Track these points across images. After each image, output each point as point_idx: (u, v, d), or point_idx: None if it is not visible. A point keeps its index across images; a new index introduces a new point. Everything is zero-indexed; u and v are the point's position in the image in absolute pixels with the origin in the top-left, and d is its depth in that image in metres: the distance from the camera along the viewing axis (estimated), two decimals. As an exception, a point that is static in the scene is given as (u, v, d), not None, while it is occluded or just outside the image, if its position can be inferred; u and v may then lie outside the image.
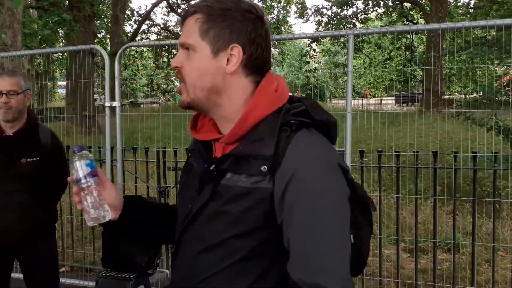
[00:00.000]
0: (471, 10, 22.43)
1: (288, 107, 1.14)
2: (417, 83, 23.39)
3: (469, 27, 3.28)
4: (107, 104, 3.70)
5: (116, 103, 3.66)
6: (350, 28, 24.05)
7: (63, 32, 15.45)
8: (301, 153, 1.06)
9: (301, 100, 1.17)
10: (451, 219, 4.49)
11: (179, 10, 26.42)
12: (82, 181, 1.20)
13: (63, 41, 22.11)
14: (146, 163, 4.37)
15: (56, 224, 2.90)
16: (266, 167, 1.05)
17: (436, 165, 3.57)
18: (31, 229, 2.57)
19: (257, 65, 1.15)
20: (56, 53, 5.26)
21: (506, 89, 7.15)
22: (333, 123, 1.16)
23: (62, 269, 4.55)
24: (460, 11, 24.29)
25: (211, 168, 1.13)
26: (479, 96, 7.15)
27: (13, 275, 2.80)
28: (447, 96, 13.38)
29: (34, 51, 5.16)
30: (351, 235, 1.16)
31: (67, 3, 13.58)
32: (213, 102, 1.15)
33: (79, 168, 1.21)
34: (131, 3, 31.09)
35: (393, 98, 25.90)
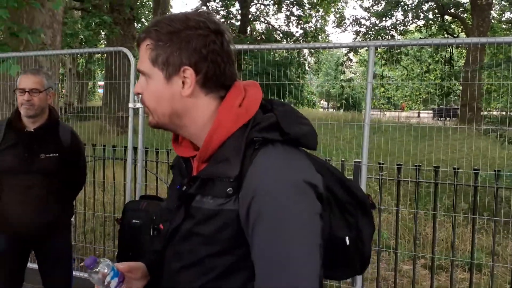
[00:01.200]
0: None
1: (256, 121, 1.09)
2: (455, 97, 22.85)
3: (509, 42, 3.18)
4: (130, 105, 3.80)
5: (139, 104, 3.75)
6: (388, 39, 23.76)
7: (104, 34, 15.90)
8: (261, 175, 1.01)
9: (273, 109, 1.12)
10: (476, 238, 4.38)
11: (218, 16, 26.73)
12: None
13: (105, 42, 22.75)
14: (167, 164, 4.44)
15: (72, 219, 2.99)
16: (232, 188, 1.03)
17: (455, 181, 3.48)
18: (47, 223, 2.66)
19: (216, 81, 1.11)
20: (92, 53, 5.43)
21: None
22: (303, 134, 1.10)
23: (82, 263, 4.67)
24: (503, 26, 23.61)
25: (184, 189, 1.13)
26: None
27: (29, 265, 2.92)
28: (486, 113, 13.05)
29: (65, 51, 5.36)
30: (347, 238, 1.17)
31: (108, 5, 13.97)
32: (177, 124, 1.14)
33: (106, 283, 1.18)
34: (172, 7, 31.63)
35: (431, 111, 25.40)
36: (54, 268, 2.81)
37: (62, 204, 2.79)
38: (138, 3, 16.66)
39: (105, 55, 11.66)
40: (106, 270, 1.18)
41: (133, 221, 3.35)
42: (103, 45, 24.08)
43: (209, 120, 1.11)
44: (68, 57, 25.23)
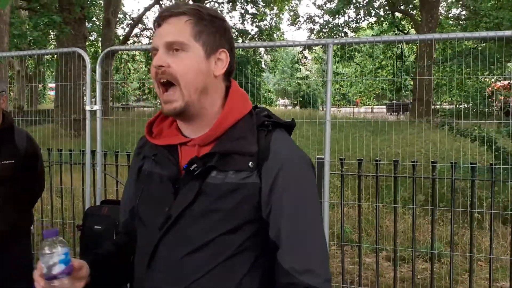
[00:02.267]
0: (461, 22, 22.68)
1: (256, 111, 1.24)
2: (408, 92, 23.56)
3: (457, 38, 3.30)
4: (87, 107, 3.68)
5: (97, 107, 3.65)
6: (341, 36, 24.20)
7: (53, 34, 15.38)
8: (286, 150, 1.15)
9: (258, 107, 1.27)
10: (435, 229, 4.52)
11: (172, 15, 26.46)
12: (55, 282, 1.07)
13: (54, 43, 22.03)
14: (128, 167, 4.34)
15: (32, 227, 2.87)
16: (252, 162, 1.11)
17: (414, 174, 3.58)
18: (4, 232, 2.53)
19: (230, 71, 1.22)
20: (43, 55, 5.23)
21: (490, 100, 7.22)
22: (294, 125, 1.26)
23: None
24: (450, 22, 24.53)
25: (192, 168, 1.12)
26: (469, 106, 7.22)
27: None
28: (437, 106, 13.52)
29: (15, 53, 5.15)
30: None
31: (57, 5, 13.51)
32: (201, 104, 1.16)
33: (51, 263, 1.07)
34: (124, 6, 31.06)
35: (384, 106, 26.10)
36: (14, 280, 2.68)
37: (19, 212, 2.66)
38: (88, 2, 16.19)
39: (55, 56, 11.28)
40: (59, 250, 1.07)
41: (95, 227, 3.26)
42: (52, 46, 23.33)
43: (220, 105, 1.20)
44: (16, 59, 24.27)
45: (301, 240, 1.10)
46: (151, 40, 28.29)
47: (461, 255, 4.45)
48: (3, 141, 2.57)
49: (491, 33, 3.17)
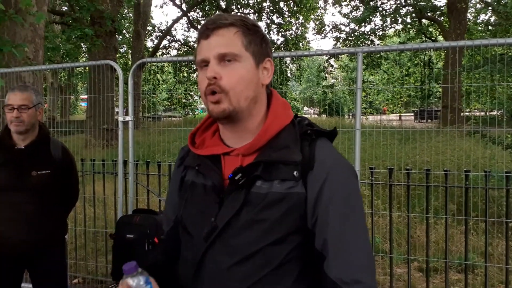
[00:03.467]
0: (490, 27, 22.25)
1: (298, 119, 1.24)
2: (436, 99, 23.19)
3: (487, 44, 3.24)
4: (120, 118, 3.77)
5: (129, 118, 3.73)
6: (368, 44, 24.03)
7: (85, 47, 15.79)
8: (331, 158, 1.15)
9: (298, 116, 1.27)
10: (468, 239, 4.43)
11: (199, 26, 26.78)
12: None
13: (86, 55, 22.58)
14: (158, 177, 4.41)
15: (66, 236, 2.95)
16: (297, 172, 1.11)
17: (447, 183, 3.53)
18: (40, 240, 2.62)
19: (271, 80, 1.23)
20: (75, 67, 5.38)
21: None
22: (336, 133, 1.26)
23: (75, 281, 4.61)
24: (479, 28, 24.08)
25: (237, 177, 1.12)
26: (499, 113, 7.08)
27: (23, 285, 2.86)
28: (467, 113, 13.26)
29: (51, 66, 5.31)
30: None
31: (89, 18, 13.88)
32: (250, 111, 1.18)
33: None
34: (153, 19, 31.56)
35: (412, 114, 25.73)
36: (49, 286, 2.75)
37: (55, 221, 2.74)
38: (119, 15, 16.57)
39: (87, 68, 11.56)
40: (141, 280, 1.12)
41: (127, 235, 3.32)
42: (84, 58, 23.90)
43: (264, 113, 1.22)
44: (49, 71, 24.98)
45: (347, 250, 1.08)
46: (179, 52, 28.47)
47: (496, 266, 4.34)
48: (39, 152, 2.65)
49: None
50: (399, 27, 24.78)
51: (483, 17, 24.59)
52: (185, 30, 50.85)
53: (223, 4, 25.37)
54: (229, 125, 1.20)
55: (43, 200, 2.62)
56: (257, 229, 1.10)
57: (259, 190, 1.12)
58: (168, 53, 29.15)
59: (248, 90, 1.15)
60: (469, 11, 21.77)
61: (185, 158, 1.32)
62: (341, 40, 25.20)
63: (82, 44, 15.28)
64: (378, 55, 22.79)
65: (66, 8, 18.87)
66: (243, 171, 1.13)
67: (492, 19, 22.37)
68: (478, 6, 24.47)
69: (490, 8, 21.82)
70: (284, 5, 26.22)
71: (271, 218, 1.09)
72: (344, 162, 1.17)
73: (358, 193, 1.15)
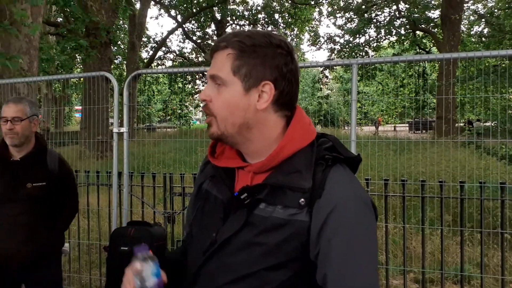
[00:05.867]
0: (483, 39, 22.47)
1: (319, 141, 1.16)
2: (430, 110, 23.32)
3: (480, 56, 3.26)
4: (115, 129, 3.75)
5: (124, 129, 3.71)
6: (362, 56, 24.19)
7: (80, 58, 15.80)
8: (341, 189, 1.06)
9: (325, 135, 1.19)
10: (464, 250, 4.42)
11: (194, 38, 26.91)
12: None
13: (80, 66, 22.58)
14: (153, 188, 4.39)
15: (67, 247, 2.92)
16: (304, 200, 1.05)
17: (442, 194, 3.52)
18: (35, 251, 2.59)
19: (287, 101, 1.14)
20: (70, 79, 5.36)
21: (517, 117, 7.09)
22: (360, 160, 1.17)
23: (68, 293, 4.55)
24: (473, 40, 24.33)
25: (242, 197, 1.10)
26: (493, 124, 7.11)
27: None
28: (461, 124, 13.34)
29: (45, 77, 5.30)
30: None
31: (84, 30, 13.90)
32: (244, 137, 1.13)
33: (145, 276, 1.12)
34: (148, 30, 31.66)
35: (407, 125, 25.85)
36: None
37: (50, 233, 2.71)
38: (113, 26, 16.63)
39: (82, 79, 11.55)
40: (151, 264, 1.12)
41: (122, 248, 3.28)
42: (79, 69, 23.90)
43: (277, 137, 1.14)
44: (44, 83, 24.93)
45: (344, 284, 1.00)
46: (174, 63, 28.61)
47: (492, 277, 4.33)
48: (35, 164, 2.64)
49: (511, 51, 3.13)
50: (393, 38, 25.01)
51: (476, 28, 24.89)
52: (180, 41, 51.18)
53: (218, 16, 25.52)
54: (228, 145, 1.20)
55: (39, 212, 2.60)
56: (254, 252, 1.07)
57: (261, 212, 1.08)
58: (163, 64, 29.24)
59: (234, 116, 1.11)
60: (462, 22, 22.01)
61: (207, 164, 1.31)
62: (335, 52, 25.42)
63: (76, 55, 15.30)
64: (373, 67, 22.94)
65: (61, 19, 18.93)
66: (248, 191, 1.10)
67: (486, 30, 22.61)
68: (472, 18, 24.76)
69: (483, 20, 22.07)
70: (279, 16, 26.46)
71: (269, 243, 1.05)
72: (357, 195, 1.07)
73: (368, 231, 1.05)
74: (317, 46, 27.88)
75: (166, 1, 26.11)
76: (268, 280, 1.05)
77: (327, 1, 26.25)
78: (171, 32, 25.91)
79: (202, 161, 1.35)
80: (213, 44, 1.16)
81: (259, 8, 26.87)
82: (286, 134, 1.13)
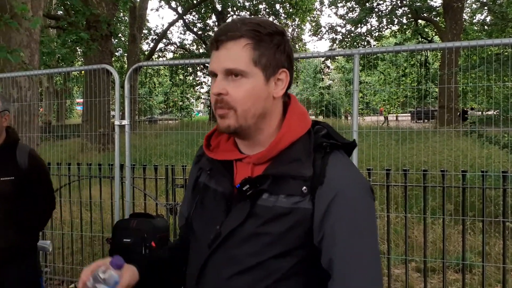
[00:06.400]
0: (486, 27, 22.31)
1: (315, 129, 1.17)
2: (432, 99, 23.24)
3: (483, 45, 3.23)
4: (116, 122, 3.75)
5: (125, 122, 3.71)
6: (364, 45, 24.07)
7: (81, 51, 15.77)
8: (342, 175, 1.08)
9: (318, 123, 1.20)
10: (465, 239, 4.43)
11: (195, 29, 26.82)
12: None
13: (81, 59, 22.55)
14: (155, 180, 4.40)
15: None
16: (306, 187, 1.07)
17: (444, 183, 3.52)
18: (5, 249, 2.49)
19: (290, 86, 1.16)
20: (71, 72, 5.36)
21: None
22: (355, 145, 1.19)
23: (72, 286, 4.59)
24: (475, 28, 24.16)
25: (244, 188, 1.10)
26: (496, 113, 7.09)
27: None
28: (471, 111, 13.28)
29: (46, 70, 5.29)
30: None
31: (85, 22, 13.86)
32: (257, 127, 1.13)
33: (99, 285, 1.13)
34: (148, 22, 31.57)
35: (409, 114, 25.78)
36: None
37: (21, 229, 2.59)
38: (114, 19, 16.57)
39: (83, 72, 11.55)
40: (112, 278, 1.13)
41: (124, 240, 3.30)
42: (80, 62, 23.87)
43: (278, 124, 1.16)
44: (45, 76, 24.93)
45: (353, 271, 1.03)
46: (175, 54, 28.46)
47: (494, 266, 4.34)
48: (3, 158, 2.55)
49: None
50: (395, 28, 24.87)
51: (479, 17, 24.72)
52: (181, 33, 50.88)
53: (219, 7, 25.41)
54: (237, 137, 1.19)
55: (8, 208, 2.50)
56: (260, 242, 1.07)
57: (265, 203, 1.09)
58: (164, 56, 29.16)
59: (256, 107, 1.10)
60: (465, 11, 21.86)
61: (201, 157, 1.31)
62: (337, 42, 25.29)
63: (77, 48, 15.27)
64: (375, 56, 22.83)
65: (61, 12, 18.87)
66: (250, 183, 1.10)
67: (488, 19, 22.45)
68: (474, 6, 24.57)
69: (486, 8, 21.90)
70: (280, 7, 26.32)
71: (275, 232, 1.06)
72: (357, 180, 1.10)
73: (369, 213, 1.08)
74: (319, 36, 27.75)
75: (167, -7, 25.98)
76: (275, 268, 1.07)
77: (328, -9, 26.08)
78: (171, 23, 25.82)
79: (196, 153, 1.34)
80: (215, 34, 1.12)
81: (260, -2, 26.74)
82: (284, 123, 1.14)
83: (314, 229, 1.06)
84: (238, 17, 1.22)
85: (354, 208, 1.06)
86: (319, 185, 1.06)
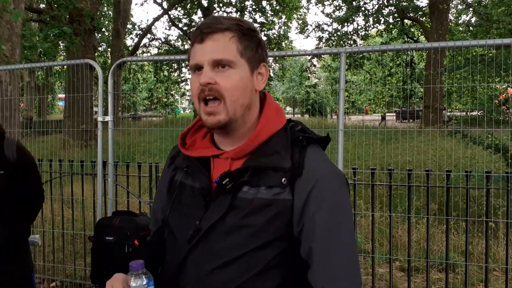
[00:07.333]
0: (471, 28, 22.58)
1: (290, 125, 1.22)
2: (417, 99, 23.44)
3: (468, 45, 3.24)
4: (99, 118, 3.67)
5: (108, 118, 3.64)
6: (350, 44, 24.17)
7: (63, 45, 15.53)
8: (319, 166, 1.13)
9: (292, 120, 1.26)
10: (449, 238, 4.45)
11: (180, 25, 26.61)
12: None
13: (64, 54, 22.22)
14: (138, 178, 4.33)
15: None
16: (285, 179, 1.09)
17: (428, 183, 3.53)
18: None
19: (265, 82, 1.21)
20: (54, 66, 5.26)
21: (503, 107, 7.14)
22: (329, 140, 1.25)
23: (53, 284, 4.50)
24: (460, 29, 24.42)
25: (224, 182, 1.11)
26: (480, 113, 7.15)
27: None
28: (448, 113, 13.40)
29: (28, 65, 5.18)
30: None
31: (68, 16, 13.64)
32: (243, 119, 1.16)
33: None
34: (132, 17, 31.16)
35: (394, 114, 25.95)
36: None
37: (11, 226, 2.52)
38: (98, 13, 16.35)
39: (65, 67, 11.38)
40: (144, 282, 1.10)
41: (107, 238, 3.24)
42: (62, 57, 23.52)
43: (257, 117, 1.20)
44: (26, 70, 24.55)
45: (332, 260, 1.06)
46: (160, 50, 28.15)
47: (476, 265, 4.37)
48: None
49: (506, 40, 3.10)
50: (382, 27, 25.00)
51: (464, 18, 24.99)
52: (166, 29, 50.52)
53: (205, 3, 25.24)
54: (222, 132, 1.20)
55: None
56: (242, 234, 1.09)
57: (245, 195, 1.11)
58: (148, 51, 28.90)
59: (243, 97, 1.13)
60: (450, 12, 22.08)
61: (175, 158, 1.32)
62: (323, 40, 25.31)
63: (60, 42, 15.02)
64: (361, 55, 22.95)
65: (44, 5, 18.54)
66: (230, 176, 1.12)
67: (473, 20, 22.71)
68: (460, 7, 24.84)
69: (471, 9, 22.15)
70: (267, 4, 26.23)
71: (256, 224, 1.08)
72: (334, 171, 1.15)
73: (346, 203, 1.13)
74: (305, 34, 27.75)
75: (152, -12, 25.75)
76: (256, 260, 1.09)
77: (315, -11, 26.09)
78: (156, 19, 25.57)
79: (169, 155, 1.36)
80: (199, 28, 1.15)
81: (246, -5, 26.63)
82: (262, 116, 1.19)
83: (294, 219, 1.09)
84: (219, 15, 1.27)
85: (332, 197, 1.10)
86: (298, 176, 1.10)
